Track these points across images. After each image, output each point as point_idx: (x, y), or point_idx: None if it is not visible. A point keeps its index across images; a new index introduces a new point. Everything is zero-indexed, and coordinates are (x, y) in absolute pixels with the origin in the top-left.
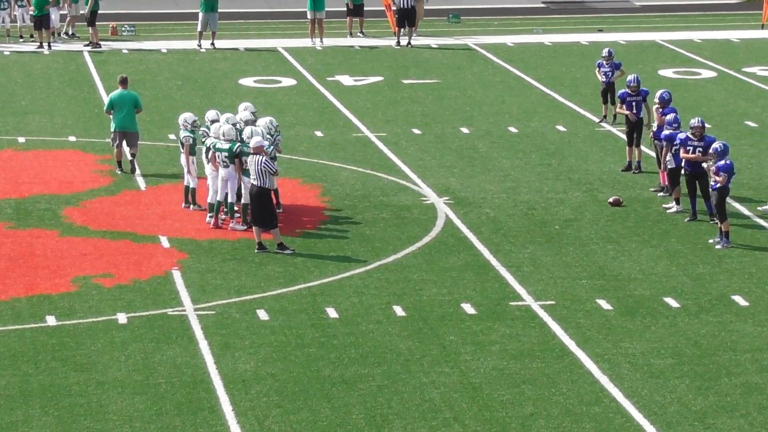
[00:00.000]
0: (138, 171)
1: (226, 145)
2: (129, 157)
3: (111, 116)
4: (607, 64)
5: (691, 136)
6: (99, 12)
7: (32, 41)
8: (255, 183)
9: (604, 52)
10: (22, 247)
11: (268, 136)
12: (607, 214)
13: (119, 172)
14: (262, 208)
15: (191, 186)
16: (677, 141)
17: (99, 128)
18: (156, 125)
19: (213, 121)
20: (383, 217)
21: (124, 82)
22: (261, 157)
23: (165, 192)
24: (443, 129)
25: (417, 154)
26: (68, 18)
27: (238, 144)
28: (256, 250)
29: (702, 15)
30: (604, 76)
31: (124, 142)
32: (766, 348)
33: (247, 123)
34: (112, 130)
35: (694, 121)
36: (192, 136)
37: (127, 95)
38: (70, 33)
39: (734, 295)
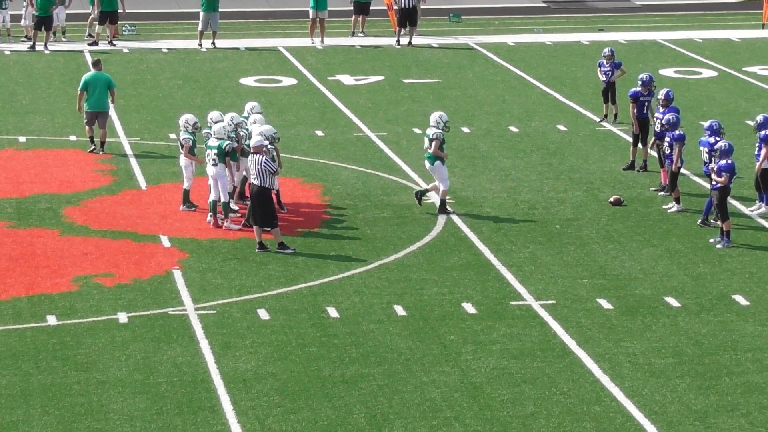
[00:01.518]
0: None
1: (216, 143)
2: (99, 138)
3: (83, 97)
4: (607, 64)
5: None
6: (108, 11)
7: (24, 41)
8: (255, 183)
9: (606, 51)
10: (22, 247)
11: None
12: (608, 214)
13: (92, 149)
14: (263, 208)
15: (184, 187)
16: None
17: None
18: (157, 125)
19: (216, 122)
20: (384, 217)
21: (96, 64)
22: (261, 156)
23: (166, 191)
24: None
25: (418, 154)
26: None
27: (228, 142)
28: (256, 250)
29: (703, 14)
30: (604, 76)
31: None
32: (767, 347)
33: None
34: (86, 110)
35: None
36: (192, 138)
37: (100, 76)
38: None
39: (735, 294)
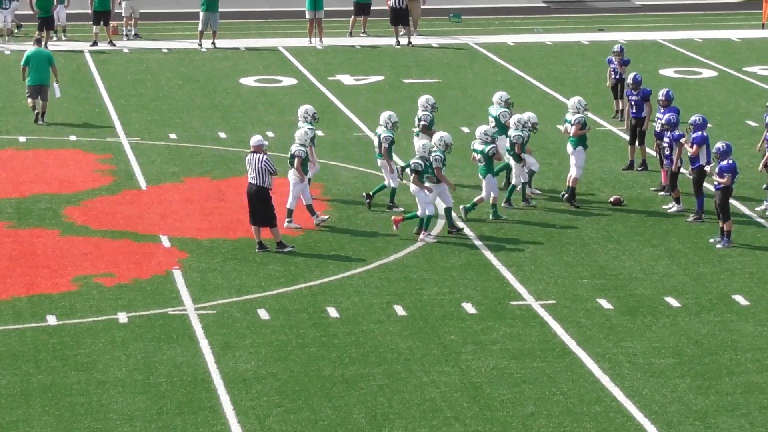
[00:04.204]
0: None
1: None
2: (40, 109)
3: (26, 71)
4: (616, 60)
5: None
6: (101, 11)
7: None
8: (253, 182)
9: (616, 48)
10: (22, 247)
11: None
12: (608, 214)
13: (37, 122)
14: (262, 207)
15: (392, 185)
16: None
17: (100, 127)
18: (157, 125)
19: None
20: (384, 217)
21: (38, 41)
22: (261, 155)
23: (166, 191)
24: (444, 128)
25: None
26: (124, 18)
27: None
28: (256, 250)
29: (703, 14)
30: (614, 72)
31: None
32: (767, 347)
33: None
34: (28, 84)
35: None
36: (391, 135)
37: (42, 52)
38: (133, 33)
39: (735, 294)
